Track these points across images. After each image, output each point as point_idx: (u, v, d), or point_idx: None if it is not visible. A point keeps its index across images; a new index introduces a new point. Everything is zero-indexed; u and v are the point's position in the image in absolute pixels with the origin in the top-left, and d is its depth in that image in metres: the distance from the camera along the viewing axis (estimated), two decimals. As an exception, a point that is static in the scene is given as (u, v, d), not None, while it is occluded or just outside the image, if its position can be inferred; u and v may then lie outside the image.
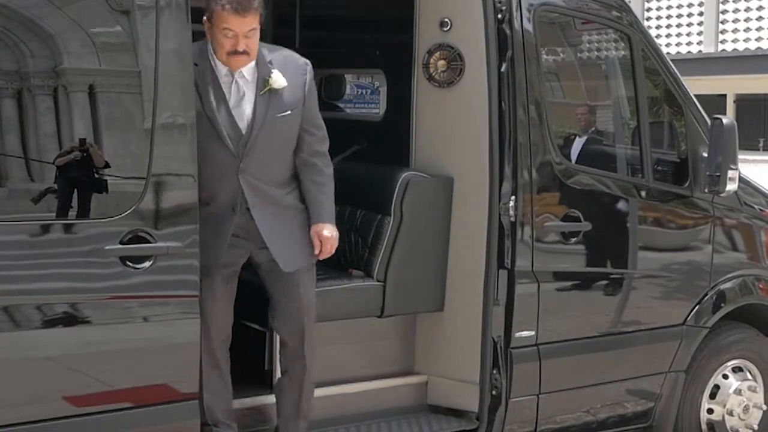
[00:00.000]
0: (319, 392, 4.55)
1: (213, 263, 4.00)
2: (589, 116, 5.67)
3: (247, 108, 3.97)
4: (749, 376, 5.62)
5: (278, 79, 3.98)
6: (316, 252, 4.16)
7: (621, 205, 5.17)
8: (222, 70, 3.97)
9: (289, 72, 4.04)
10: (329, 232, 4.15)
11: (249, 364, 4.68)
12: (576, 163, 5.06)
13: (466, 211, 4.76)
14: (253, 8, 3.84)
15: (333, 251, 4.20)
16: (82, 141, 3.63)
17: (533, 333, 4.76)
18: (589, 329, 5.06)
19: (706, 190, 5.24)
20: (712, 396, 5.54)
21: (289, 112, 4.02)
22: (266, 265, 4.17)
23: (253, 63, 3.96)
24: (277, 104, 4.00)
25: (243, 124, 3.96)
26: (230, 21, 3.82)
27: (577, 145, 5.39)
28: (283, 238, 4.10)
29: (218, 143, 3.93)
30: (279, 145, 4.06)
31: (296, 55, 4.17)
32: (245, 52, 3.89)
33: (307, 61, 4.15)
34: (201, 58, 3.93)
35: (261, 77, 3.97)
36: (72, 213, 3.65)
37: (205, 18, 3.90)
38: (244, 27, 3.84)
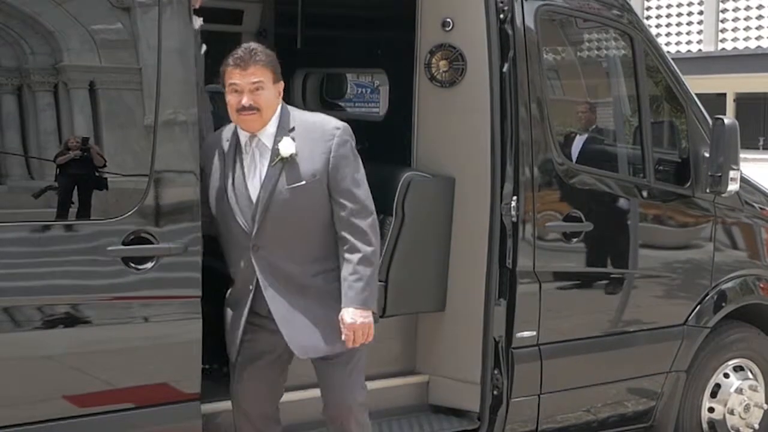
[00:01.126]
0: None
1: (237, 349, 3.84)
2: (591, 116, 5.67)
3: (259, 179, 3.73)
4: (750, 376, 5.63)
5: (286, 147, 3.69)
6: (343, 339, 3.77)
7: (622, 205, 5.17)
8: (243, 137, 3.78)
9: (311, 138, 3.74)
10: (352, 317, 3.74)
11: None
12: (578, 162, 5.05)
13: (467, 211, 4.76)
14: (255, 61, 3.67)
15: (368, 338, 3.81)
16: (84, 139, 3.63)
17: (534, 333, 4.76)
18: (591, 329, 5.06)
19: (707, 191, 5.24)
20: (713, 395, 5.55)
21: (303, 182, 3.69)
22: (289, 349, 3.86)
23: (273, 129, 3.74)
24: (291, 174, 3.69)
25: (254, 196, 3.72)
26: (233, 75, 3.68)
27: (579, 144, 5.38)
28: (300, 321, 3.76)
29: (231, 216, 3.74)
30: (297, 219, 3.72)
31: (329, 120, 3.86)
32: (252, 108, 3.67)
33: (339, 125, 3.80)
34: (232, 131, 3.79)
35: (276, 145, 3.73)
36: (74, 213, 3.65)
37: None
38: (247, 80, 3.66)
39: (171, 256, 3.72)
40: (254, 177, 3.73)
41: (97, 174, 3.67)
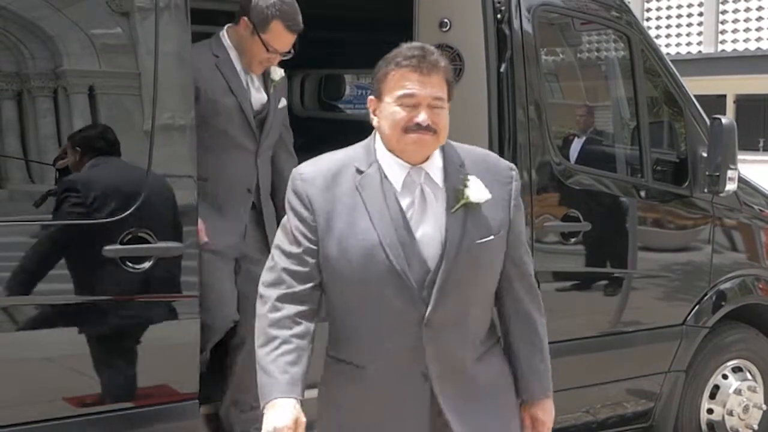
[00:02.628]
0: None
1: None
2: (589, 116, 5.68)
3: (436, 230, 2.73)
4: (749, 376, 5.63)
5: (478, 190, 2.75)
6: None
7: (620, 205, 5.17)
8: (395, 170, 2.73)
9: (488, 178, 2.82)
10: (548, 411, 3.02)
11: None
12: (576, 163, 5.06)
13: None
14: (439, 68, 2.76)
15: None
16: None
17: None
18: (589, 329, 5.05)
19: (705, 190, 5.24)
20: (712, 396, 5.54)
21: (491, 237, 2.78)
22: None
23: (440, 162, 2.79)
24: (476, 225, 2.76)
25: (431, 254, 2.72)
26: (408, 80, 2.70)
27: (577, 145, 5.39)
28: (478, 425, 2.82)
29: (387, 280, 2.68)
30: (477, 286, 2.83)
31: (495, 156, 3.03)
32: (430, 129, 2.69)
33: (512, 166, 2.97)
34: (367, 158, 2.78)
35: (451, 185, 2.75)
36: (73, 213, 3.65)
37: (371, 98, 2.82)
38: (428, 91, 2.70)
39: (168, 256, 3.72)
40: (426, 226, 2.73)
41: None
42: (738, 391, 5.54)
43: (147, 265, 3.68)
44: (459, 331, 2.78)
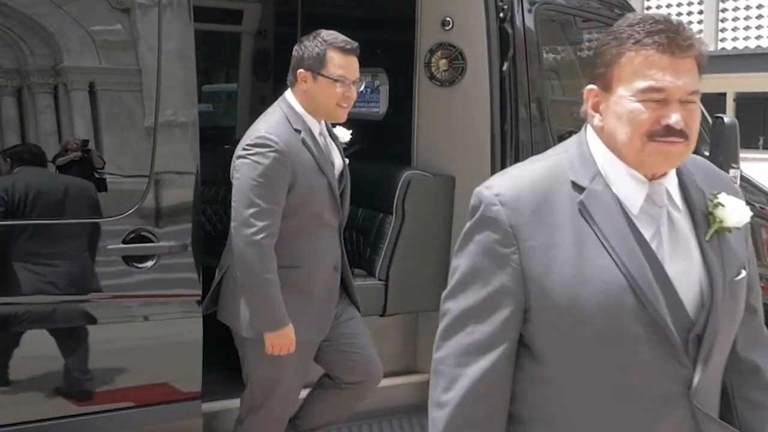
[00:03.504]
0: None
1: None
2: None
3: (692, 265, 2.00)
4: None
5: (734, 210, 2.09)
6: None
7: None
8: (636, 189, 1.98)
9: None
10: None
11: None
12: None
13: (467, 210, 4.74)
14: (695, 48, 2.01)
15: None
16: (84, 141, 3.63)
17: (535, 332, 4.74)
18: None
19: (707, 189, 5.23)
20: (714, 395, 5.52)
21: (744, 273, 2.10)
22: None
23: (675, 176, 2.05)
24: (730, 258, 2.07)
25: (689, 298, 1.97)
26: (656, 68, 1.93)
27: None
28: None
29: (650, 338, 1.91)
30: (731, 335, 2.09)
31: (709, 163, 2.23)
32: (682, 134, 1.94)
33: (733, 175, 2.43)
34: (584, 168, 1.99)
35: (695, 205, 2.05)
36: (74, 212, 3.65)
37: (590, 89, 2.03)
38: (681, 81, 1.94)
39: (171, 254, 3.72)
40: (679, 261, 1.98)
41: (98, 174, 3.67)
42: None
43: (150, 264, 3.68)
44: (716, 394, 2.05)
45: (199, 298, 3.82)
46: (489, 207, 1.97)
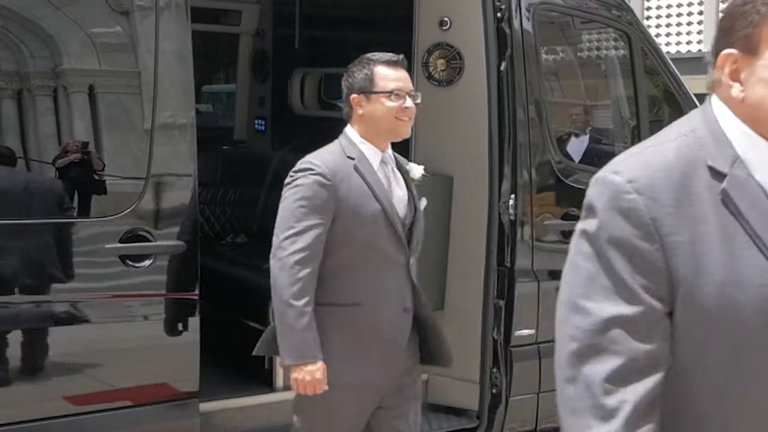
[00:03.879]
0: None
1: None
2: (588, 115, 5.67)
3: None
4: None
5: None
6: None
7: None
8: None
9: None
10: None
11: (248, 364, 4.68)
12: (580, 162, 5.05)
13: (465, 210, 4.76)
14: None
15: None
16: (83, 142, 3.64)
17: (533, 331, 4.75)
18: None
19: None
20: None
21: None
22: None
23: None
24: None
25: None
26: None
27: (577, 143, 5.39)
28: None
29: None
30: None
31: None
32: None
33: None
34: (719, 149, 1.69)
35: None
36: (72, 212, 3.66)
37: (727, 53, 1.71)
38: None
39: (168, 254, 3.72)
40: None
41: (96, 174, 3.68)
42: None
43: (147, 263, 3.68)
44: None
45: (197, 298, 3.82)
46: (620, 196, 1.66)
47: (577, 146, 5.41)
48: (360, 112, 3.54)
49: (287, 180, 3.45)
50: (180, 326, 3.81)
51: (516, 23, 4.64)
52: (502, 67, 4.60)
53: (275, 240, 3.39)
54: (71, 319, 3.64)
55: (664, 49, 5.57)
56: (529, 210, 4.70)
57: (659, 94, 5.51)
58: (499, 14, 4.60)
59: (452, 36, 4.81)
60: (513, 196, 4.61)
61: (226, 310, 4.80)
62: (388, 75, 3.53)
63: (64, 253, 3.62)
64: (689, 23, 34.12)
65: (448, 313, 4.85)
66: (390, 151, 3.62)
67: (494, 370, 4.68)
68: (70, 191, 3.66)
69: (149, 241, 3.68)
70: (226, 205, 6.04)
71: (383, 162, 3.56)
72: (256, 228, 5.87)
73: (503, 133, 4.62)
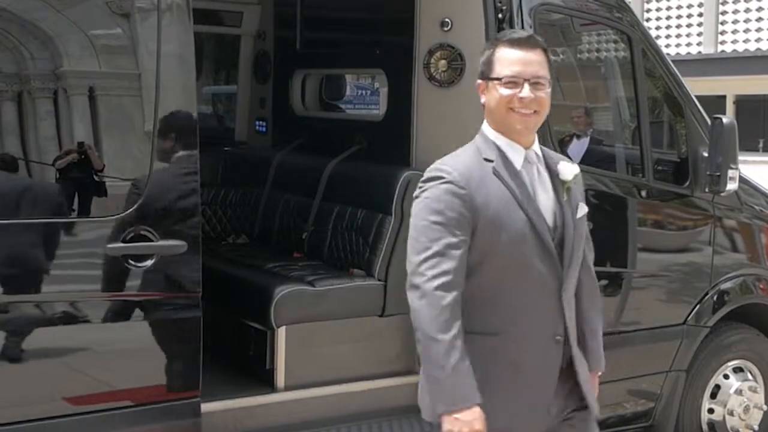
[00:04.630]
0: (319, 391, 4.56)
1: None
2: (589, 115, 5.67)
3: None
4: (750, 377, 5.63)
5: None
6: None
7: (621, 205, 5.17)
8: None
9: None
10: None
11: (250, 365, 4.69)
12: (580, 163, 5.04)
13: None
14: None
15: None
16: (82, 143, 3.64)
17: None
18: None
19: (706, 190, 5.24)
20: (713, 396, 5.54)
21: None
22: None
23: None
24: None
25: None
26: None
27: (578, 145, 5.39)
28: None
29: None
30: None
31: None
32: None
33: None
34: None
35: None
36: (74, 212, 3.67)
37: None
38: None
39: (170, 254, 3.72)
40: None
41: (98, 175, 3.68)
42: (739, 392, 5.54)
43: (149, 263, 3.69)
44: None
45: (199, 298, 3.83)
46: None
47: (577, 147, 5.41)
48: (482, 100, 3.07)
49: (416, 192, 3.01)
50: (181, 326, 3.81)
51: (517, 24, 4.65)
52: (503, 68, 4.59)
53: (409, 265, 2.95)
54: (72, 318, 3.64)
55: (664, 50, 5.56)
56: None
57: (660, 94, 5.52)
58: (500, 15, 4.60)
59: (453, 37, 4.82)
60: (513, 196, 4.60)
61: (227, 310, 4.81)
62: (508, 57, 2.99)
63: (68, 253, 3.63)
64: (689, 24, 34.10)
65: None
66: (537, 147, 3.09)
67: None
68: (73, 192, 3.67)
69: (151, 241, 3.69)
70: (227, 206, 6.04)
71: (527, 161, 3.04)
72: (256, 229, 5.88)
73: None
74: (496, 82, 2.99)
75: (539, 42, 3.05)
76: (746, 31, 32.43)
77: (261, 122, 6.51)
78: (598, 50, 5.69)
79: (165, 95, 3.70)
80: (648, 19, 33.79)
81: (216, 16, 6.39)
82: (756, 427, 5.61)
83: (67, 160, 3.60)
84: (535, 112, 2.99)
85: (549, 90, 3.01)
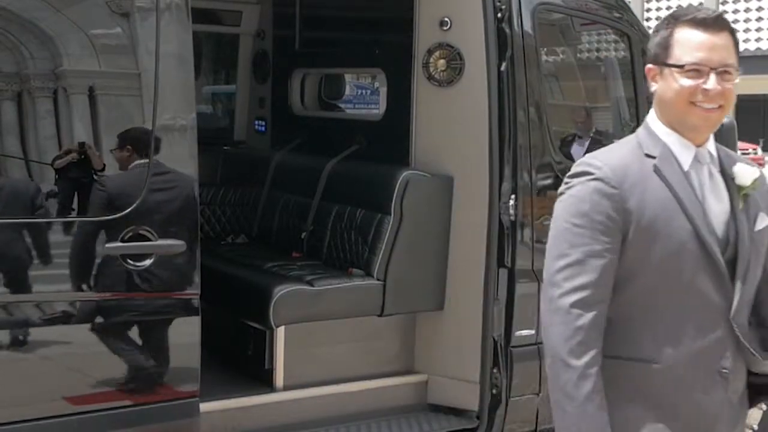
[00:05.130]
0: (319, 391, 4.56)
1: None
2: (588, 115, 5.67)
3: None
4: (749, 376, 5.61)
5: None
6: None
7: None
8: None
9: None
10: None
11: (249, 364, 4.69)
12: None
13: (466, 210, 4.76)
14: None
15: None
16: (82, 143, 3.65)
17: (533, 332, 4.75)
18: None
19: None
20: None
21: None
22: None
23: None
24: None
25: None
26: None
27: (577, 144, 5.39)
28: None
29: None
30: None
31: None
32: None
33: None
34: None
35: None
36: (73, 211, 3.67)
37: None
38: None
39: (169, 253, 3.72)
40: None
41: (97, 174, 3.68)
42: (738, 391, 5.53)
43: (148, 262, 3.69)
44: None
45: (198, 298, 3.83)
46: None
47: (577, 147, 5.41)
48: (653, 88, 2.62)
49: (560, 188, 2.62)
50: (180, 326, 3.81)
51: (516, 24, 4.65)
52: (502, 68, 4.61)
53: (545, 273, 2.57)
54: (71, 318, 3.64)
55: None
56: (530, 210, 4.70)
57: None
58: (499, 15, 4.60)
59: (453, 36, 4.82)
60: (513, 196, 4.62)
61: (226, 310, 4.81)
62: (691, 40, 2.52)
63: (66, 252, 3.63)
64: (689, 25, 34.12)
65: (448, 313, 4.86)
66: (711, 145, 2.63)
67: (494, 370, 4.68)
68: (72, 191, 3.67)
69: (150, 240, 3.69)
70: (226, 206, 6.04)
71: (697, 160, 2.59)
72: (255, 229, 5.88)
73: (503, 134, 4.63)
74: (675, 69, 2.52)
75: (728, 23, 2.57)
76: (746, 31, 32.45)
77: (260, 122, 6.51)
78: (597, 50, 5.69)
79: (164, 95, 3.70)
80: (648, 19, 33.80)
81: (215, 16, 6.39)
82: (755, 427, 5.60)
83: (67, 160, 3.60)
84: (720, 106, 2.53)
85: (737, 81, 2.55)
